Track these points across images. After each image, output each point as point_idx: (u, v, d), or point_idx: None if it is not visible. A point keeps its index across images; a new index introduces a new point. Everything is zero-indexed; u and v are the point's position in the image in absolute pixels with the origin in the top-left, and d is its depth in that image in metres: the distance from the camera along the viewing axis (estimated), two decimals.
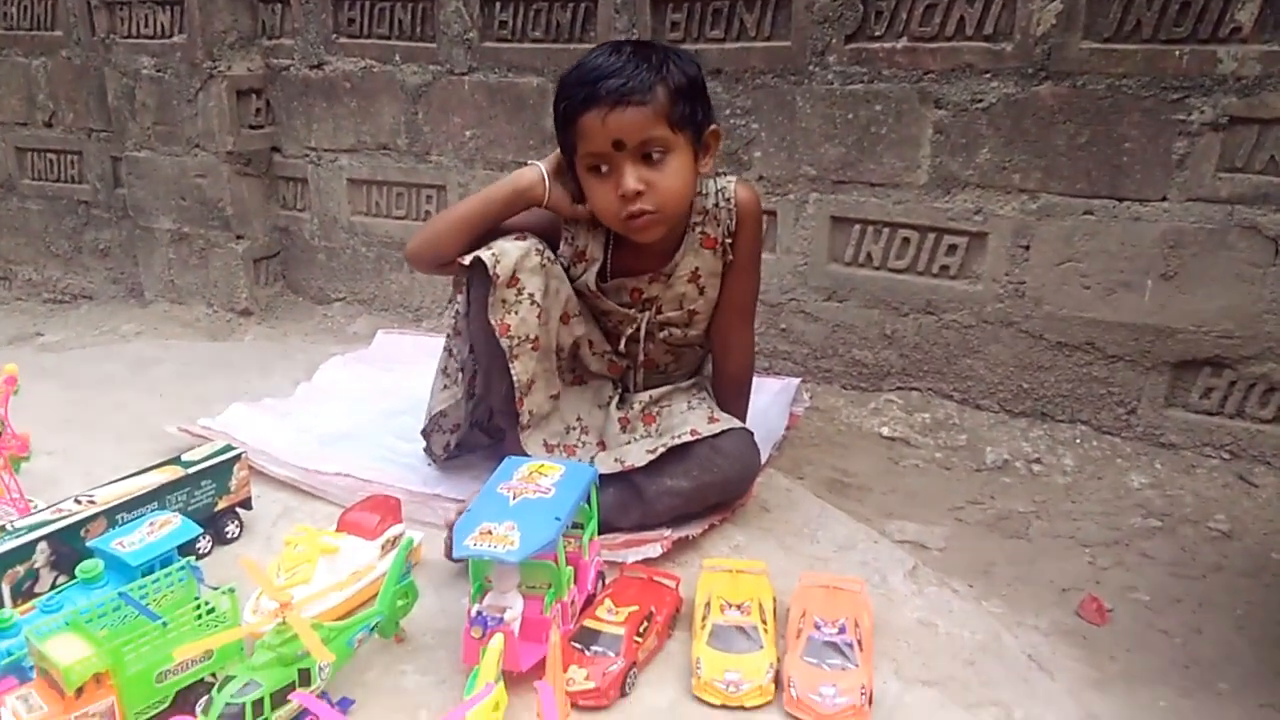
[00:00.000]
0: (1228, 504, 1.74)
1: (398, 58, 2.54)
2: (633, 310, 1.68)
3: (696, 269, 1.65)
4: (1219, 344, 1.84)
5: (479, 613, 1.22)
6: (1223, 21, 1.73)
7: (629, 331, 1.69)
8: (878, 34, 2.01)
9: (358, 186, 2.72)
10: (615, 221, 1.55)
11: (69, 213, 3.20)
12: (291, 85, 2.71)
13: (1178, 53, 1.76)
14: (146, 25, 2.69)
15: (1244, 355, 1.82)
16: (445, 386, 1.73)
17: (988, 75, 1.92)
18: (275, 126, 2.78)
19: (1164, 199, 1.83)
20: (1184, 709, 1.25)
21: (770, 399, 2.07)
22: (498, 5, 2.36)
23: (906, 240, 2.07)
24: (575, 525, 1.39)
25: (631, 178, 1.47)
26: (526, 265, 1.54)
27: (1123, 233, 1.87)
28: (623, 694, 1.22)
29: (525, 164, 1.61)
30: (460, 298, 1.61)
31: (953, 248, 2.04)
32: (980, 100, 1.94)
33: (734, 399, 1.76)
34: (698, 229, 1.63)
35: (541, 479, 1.33)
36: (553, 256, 1.59)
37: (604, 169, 1.50)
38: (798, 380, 2.17)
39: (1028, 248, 1.96)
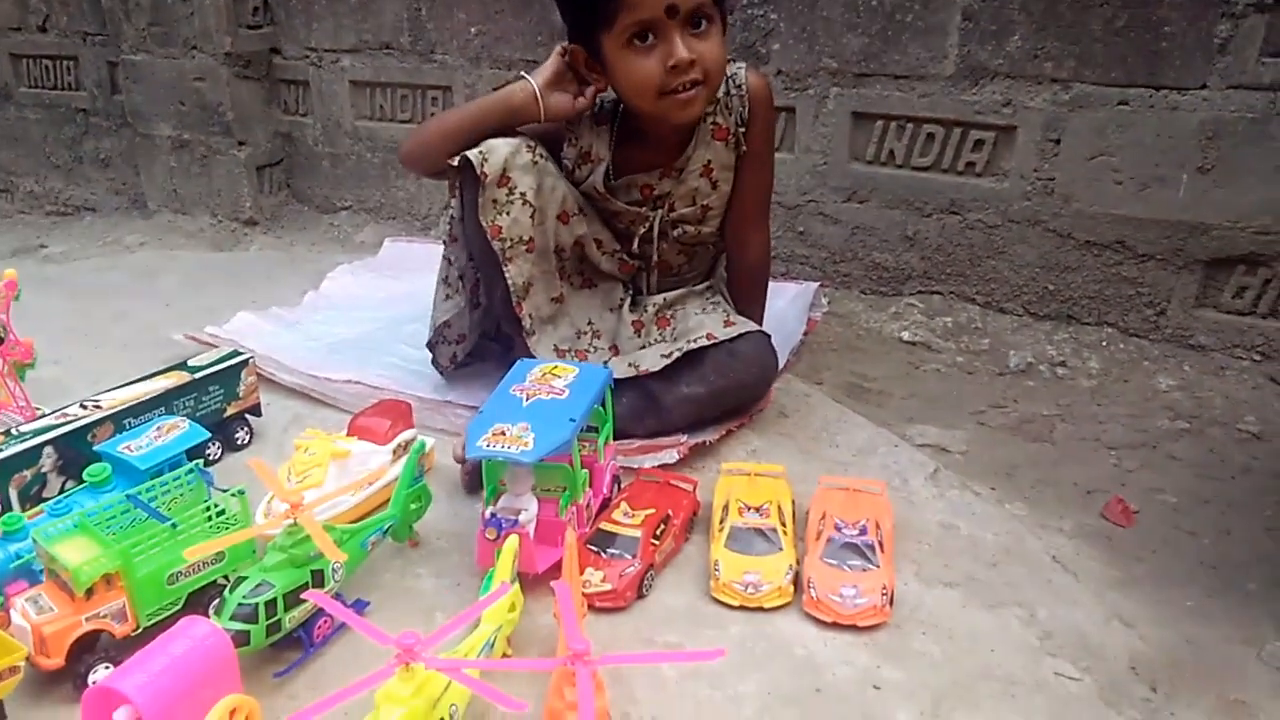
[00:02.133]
0: (1258, 406, 1.70)
1: None
2: (644, 209, 1.61)
3: (709, 162, 1.58)
4: (1255, 240, 1.77)
5: (493, 515, 1.19)
6: None
7: (641, 231, 1.62)
8: None
9: (361, 89, 2.64)
10: (653, 98, 1.44)
11: (67, 121, 3.13)
12: None
13: None
14: None
15: None
16: (447, 296, 1.68)
17: None
18: (274, 26, 2.68)
19: (1204, 87, 1.74)
20: (1211, 608, 1.22)
21: (787, 303, 2.02)
22: None
23: (931, 136, 1.99)
24: (590, 428, 1.35)
25: (683, 47, 1.38)
26: (517, 163, 1.47)
27: (1159, 124, 1.79)
28: (640, 596, 1.20)
29: (523, 75, 1.51)
30: (454, 202, 1.55)
31: (979, 143, 1.95)
32: None
33: (751, 298, 1.71)
34: (709, 119, 1.56)
35: (555, 380, 1.30)
36: (545, 154, 1.52)
37: (647, 40, 1.40)
38: (815, 284, 2.10)
39: (1058, 141, 1.88)
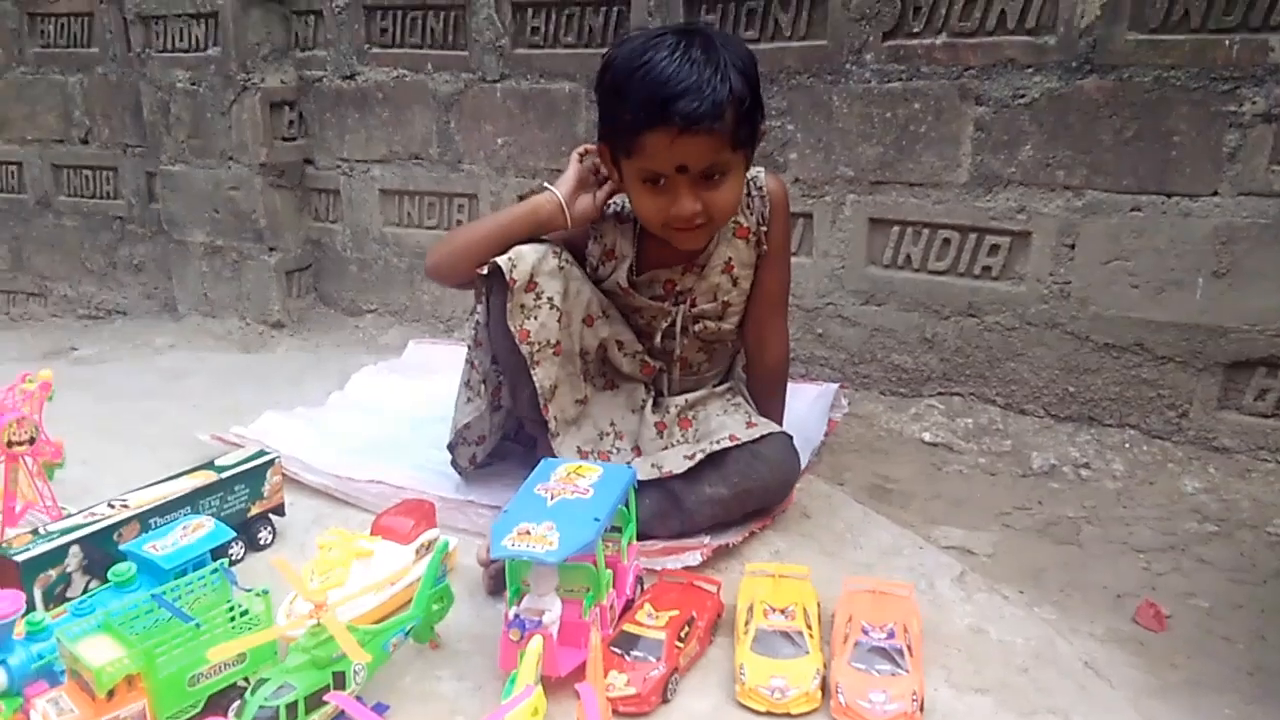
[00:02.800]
0: None
1: (429, 66, 2.54)
2: (666, 303, 1.64)
3: (730, 259, 1.62)
4: (1274, 343, 1.77)
5: (517, 616, 1.19)
6: (1274, 9, 1.68)
7: (664, 326, 1.65)
8: (916, 30, 1.97)
9: (390, 197, 2.72)
10: (657, 227, 1.51)
11: (104, 228, 3.23)
12: (324, 96, 2.72)
13: (1227, 42, 1.71)
14: (181, 39, 2.71)
15: None
16: (469, 399, 1.70)
17: (1030, 70, 1.88)
18: (308, 138, 2.79)
19: (1215, 194, 1.77)
20: (1252, 715, 1.19)
21: (808, 405, 2.03)
22: (529, 11, 2.35)
23: (947, 241, 2.03)
24: (613, 528, 1.35)
25: (690, 200, 1.44)
26: (544, 269, 1.51)
27: (1172, 229, 1.82)
28: (664, 700, 1.18)
29: (546, 186, 1.57)
30: (480, 307, 1.58)
31: (995, 248, 1.99)
32: (1023, 96, 1.90)
33: (772, 394, 1.73)
34: (730, 219, 1.59)
35: (579, 480, 1.30)
36: (570, 259, 1.56)
37: (659, 184, 1.45)
38: (835, 385, 2.12)
39: (1073, 246, 1.91)
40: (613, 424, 1.67)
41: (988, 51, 1.91)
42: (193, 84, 2.71)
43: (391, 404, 2.14)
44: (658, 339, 1.66)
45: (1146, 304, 1.87)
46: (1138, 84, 1.79)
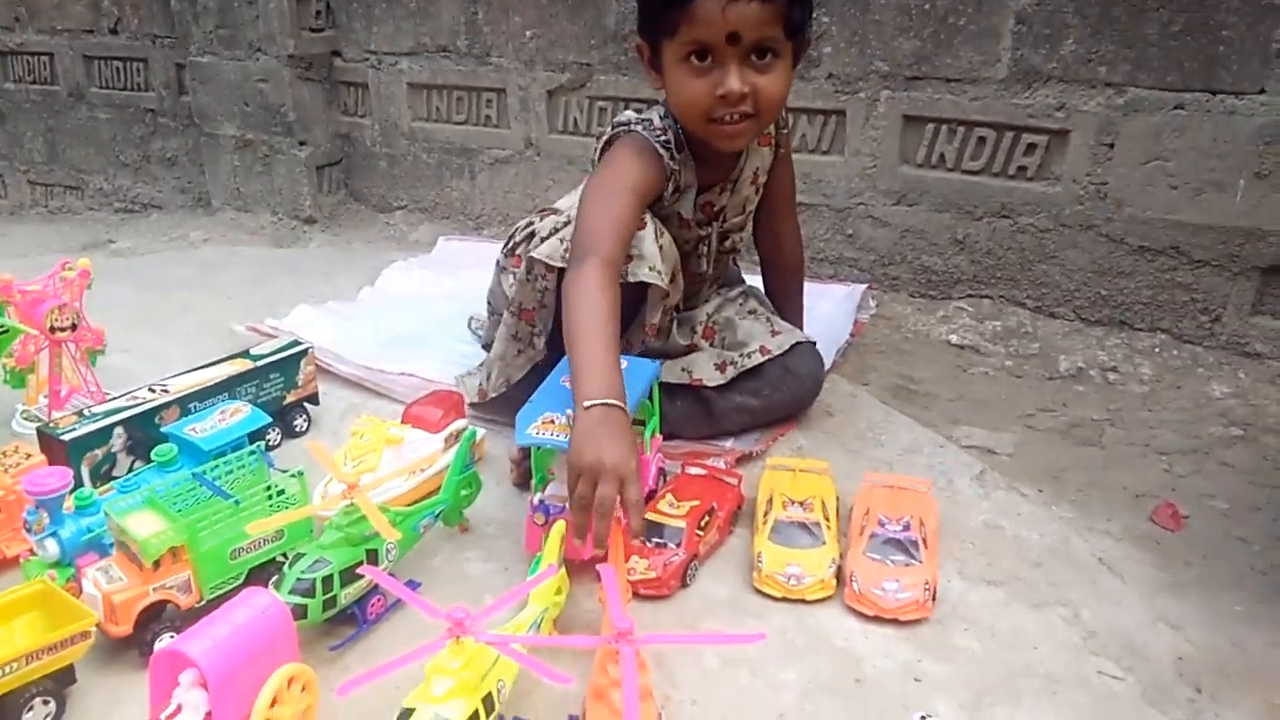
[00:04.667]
0: None
1: None
2: (704, 229, 1.58)
3: (756, 169, 1.59)
4: None
5: (541, 501, 1.22)
6: None
7: (704, 250, 1.59)
8: None
9: (418, 91, 2.69)
10: (700, 121, 1.38)
11: (136, 121, 3.23)
12: None
13: None
14: None
15: None
16: (519, 351, 1.55)
17: None
18: (335, 29, 2.75)
19: (1262, 91, 1.72)
20: (1260, 613, 1.21)
21: (835, 305, 2.03)
22: None
23: (982, 140, 1.99)
24: (637, 422, 1.38)
25: (737, 78, 1.32)
26: (669, 255, 1.46)
27: (1215, 128, 1.77)
28: (684, 584, 1.22)
29: (587, 74, 1.46)
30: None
31: (1031, 147, 1.95)
32: None
33: (793, 293, 1.73)
34: (774, 118, 1.53)
35: None
36: (662, 228, 1.48)
37: (705, 60, 1.33)
38: (863, 286, 2.12)
39: (1112, 146, 1.87)
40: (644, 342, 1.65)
41: None
42: None
43: (422, 299, 2.16)
44: (704, 264, 1.61)
45: (1185, 206, 1.83)
46: None
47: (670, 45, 1.35)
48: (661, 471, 1.44)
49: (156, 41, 3.07)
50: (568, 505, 1.20)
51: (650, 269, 1.40)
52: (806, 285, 1.84)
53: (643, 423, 1.38)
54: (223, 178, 2.94)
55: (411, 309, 2.10)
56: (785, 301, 1.72)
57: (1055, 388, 1.81)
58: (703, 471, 1.42)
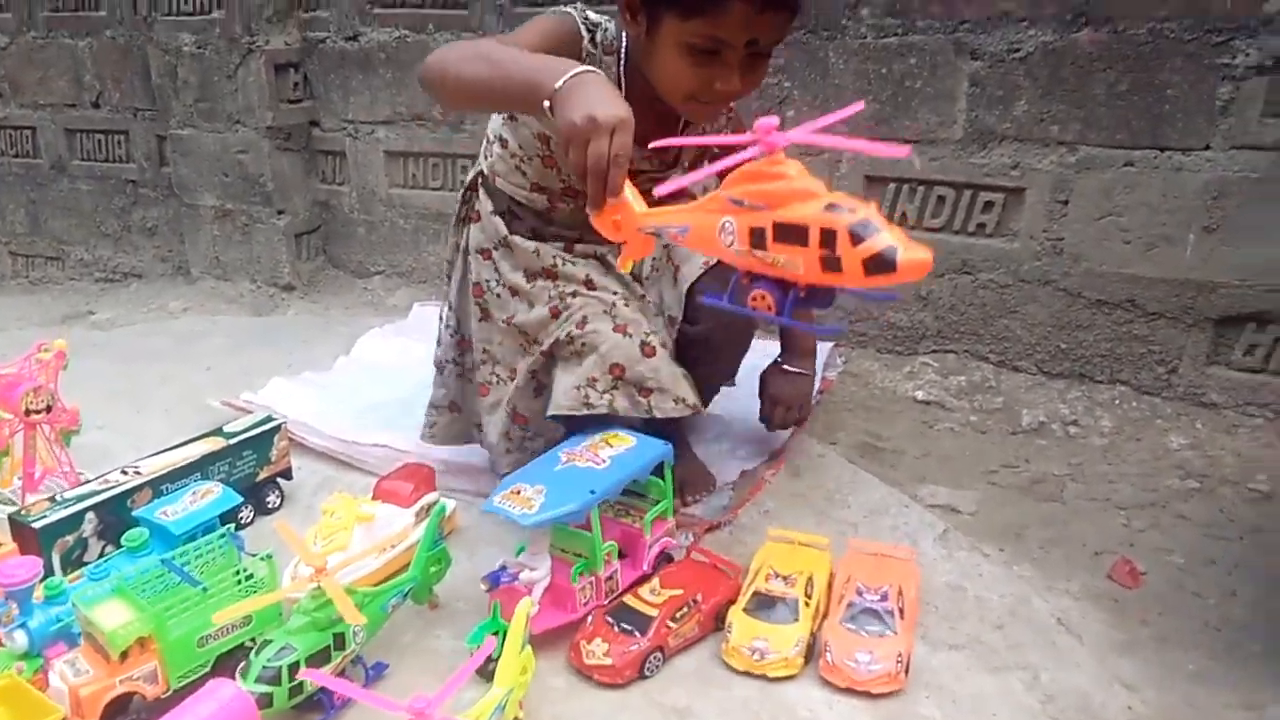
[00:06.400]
0: (1270, 464, 1.70)
1: (431, 27, 2.54)
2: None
3: (688, 161, 1.55)
4: (1264, 298, 1.79)
5: (502, 566, 1.24)
6: None
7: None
8: None
9: (394, 159, 2.74)
10: (680, 98, 1.34)
11: (117, 192, 3.27)
12: (328, 58, 2.73)
13: None
14: (186, 2, 2.72)
15: None
16: (508, 450, 1.58)
17: (1025, 23, 1.88)
18: (313, 100, 2.81)
19: (1207, 148, 1.77)
20: (1214, 672, 1.23)
21: None
22: None
23: (942, 198, 2.04)
24: (640, 495, 1.39)
25: (739, 79, 1.30)
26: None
27: (1164, 184, 1.82)
28: (642, 675, 1.21)
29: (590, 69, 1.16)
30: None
31: (989, 204, 2.00)
32: (1017, 50, 1.89)
33: None
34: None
35: (605, 449, 1.35)
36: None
37: (709, 53, 1.27)
38: (830, 345, 2.15)
39: (1066, 202, 1.92)
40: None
41: (982, 5, 1.90)
42: (198, 47, 2.73)
43: (396, 367, 2.19)
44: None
45: (1138, 260, 1.88)
46: (1132, 36, 1.78)
47: (676, 24, 1.27)
48: (665, 556, 1.42)
49: (138, 114, 3.11)
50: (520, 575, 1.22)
51: (676, 401, 1.41)
52: (772, 345, 1.86)
53: (641, 495, 1.40)
54: (202, 247, 2.98)
55: (386, 377, 2.13)
56: None
57: (1018, 442, 1.84)
58: (705, 559, 1.40)
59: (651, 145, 1.11)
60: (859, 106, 0.97)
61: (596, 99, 1.04)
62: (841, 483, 1.67)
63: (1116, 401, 1.93)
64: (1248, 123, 1.73)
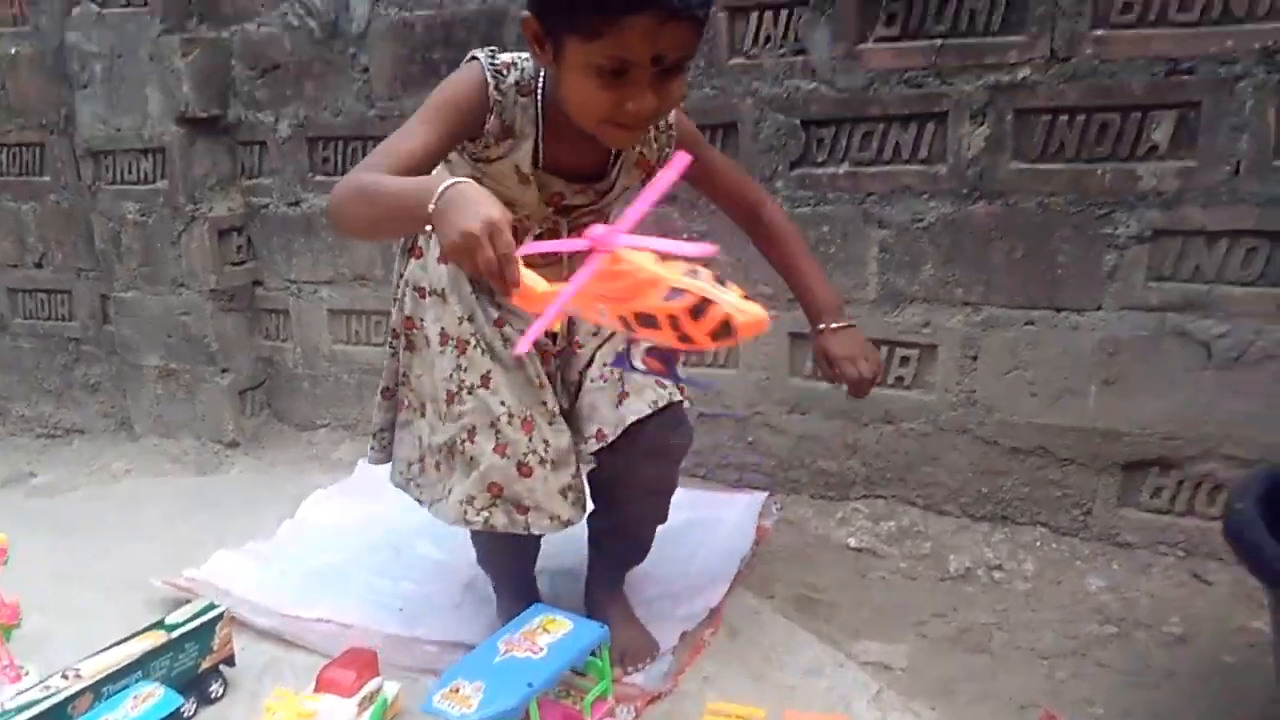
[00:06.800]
0: (1182, 604, 1.79)
1: None
2: (550, 211, 1.49)
3: (627, 188, 1.52)
4: (1164, 445, 1.91)
5: None
6: (1140, 141, 1.83)
7: (542, 229, 1.48)
8: (820, 160, 2.12)
9: (337, 316, 2.81)
10: (594, 122, 1.31)
11: (60, 349, 3.29)
12: (271, 221, 2.82)
13: (1100, 171, 1.87)
14: (130, 172, 2.81)
15: (1188, 455, 1.89)
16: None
17: (925, 196, 2.02)
18: (256, 261, 2.88)
19: (1099, 308, 1.92)
20: None
21: (739, 514, 2.14)
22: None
23: None
24: (581, 675, 1.43)
25: (653, 96, 1.26)
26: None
27: (1064, 341, 1.95)
28: None
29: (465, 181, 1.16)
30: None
31: (905, 359, 2.12)
32: (920, 220, 2.04)
33: (801, 246, 1.69)
34: (636, 148, 1.49)
35: (541, 636, 1.40)
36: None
37: (618, 75, 1.24)
38: (765, 494, 2.23)
39: (975, 358, 2.04)
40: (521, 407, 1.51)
41: (886, 179, 2.05)
42: (142, 215, 2.80)
43: (341, 529, 2.21)
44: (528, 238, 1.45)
45: (1046, 410, 2.00)
46: (1023, 209, 1.94)
47: (580, 47, 1.24)
48: None
49: (81, 274, 3.16)
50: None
51: (551, 519, 1.49)
52: (709, 495, 1.93)
53: (580, 674, 1.43)
54: (145, 405, 3.00)
55: (331, 541, 2.15)
56: (801, 260, 1.67)
57: (946, 589, 1.91)
58: None
59: (521, 253, 1.07)
60: (709, 250, 1.01)
61: (466, 213, 1.07)
62: (776, 641, 1.72)
63: (1038, 543, 2.02)
64: (1134, 286, 1.87)
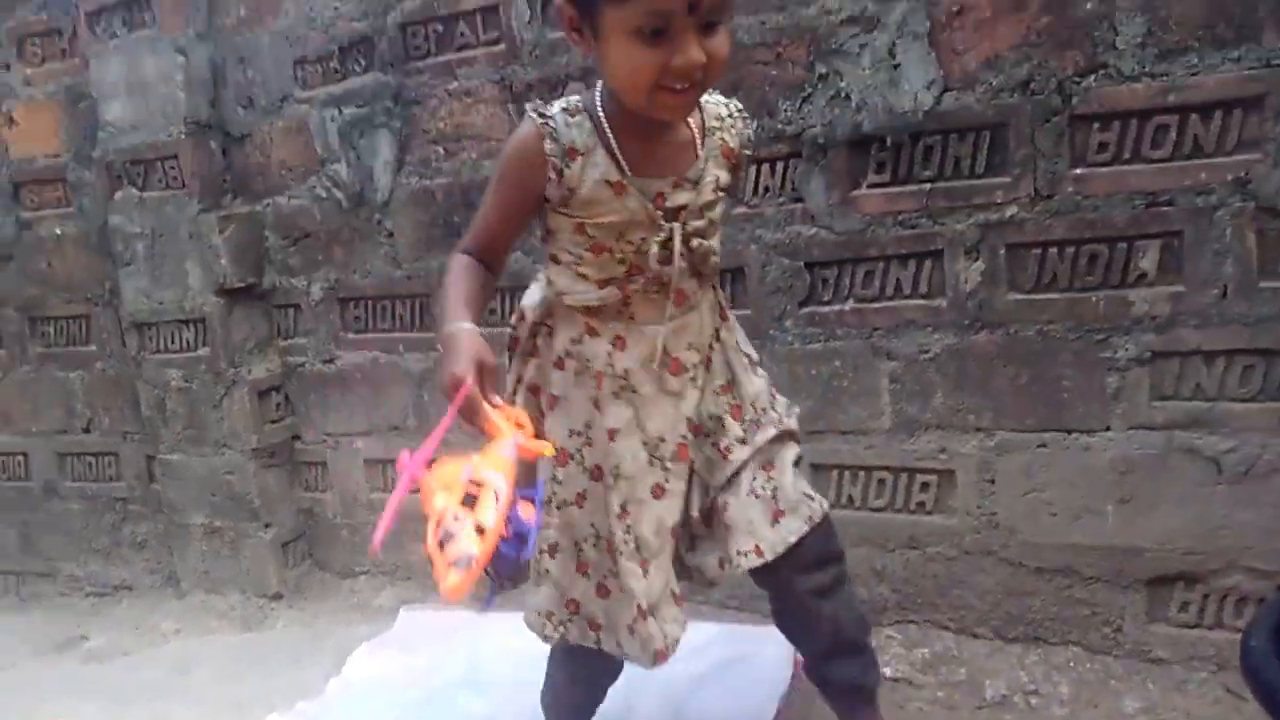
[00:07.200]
0: None
1: (401, 348, 2.78)
2: (659, 216, 1.42)
3: (717, 178, 1.47)
4: (1185, 560, 1.94)
5: None
6: (1129, 269, 1.92)
7: (658, 240, 1.41)
8: (826, 299, 2.22)
9: (374, 465, 2.91)
10: (644, 93, 1.30)
11: (108, 510, 3.41)
12: (307, 380, 2.95)
13: (1094, 299, 1.95)
14: (173, 341, 2.96)
15: (1210, 569, 1.92)
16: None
17: (929, 329, 2.11)
18: (294, 416, 3.00)
19: (1108, 429, 1.97)
20: None
21: (775, 648, 2.16)
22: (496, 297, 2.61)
23: (882, 481, 2.22)
24: None
25: (696, 48, 1.25)
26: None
27: (1077, 462, 2.01)
28: None
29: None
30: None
31: (925, 485, 2.17)
32: (927, 351, 2.12)
33: None
34: (717, 134, 1.46)
35: None
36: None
37: (658, 32, 1.25)
38: None
39: (993, 481, 2.09)
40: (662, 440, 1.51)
41: (890, 314, 2.15)
42: (185, 381, 2.95)
43: (389, 685, 2.26)
44: (650, 263, 1.42)
45: (1067, 529, 2.04)
46: (1023, 338, 2.02)
47: (616, 14, 1.26)
48: None
49: (127, 437, 3.29)
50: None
51: (617, 645, 1.52)
52: (745, 629, 1.96)
53: None
54: (191, 562, 3.09)
55: (379, 704, 2.20)
56: None
57: (984, 718, 1.93)
58: None
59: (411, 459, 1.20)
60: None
61: (445, 363, 1.27)
62: None
63: (1071, 664, 2.03)
64: (1138, 406, 1.94)
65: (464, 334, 1.30)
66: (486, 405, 1.22)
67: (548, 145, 1.37)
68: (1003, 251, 2.01)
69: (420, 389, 2.77)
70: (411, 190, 2.67)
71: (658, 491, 1.50)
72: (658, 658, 1.51)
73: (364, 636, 2.54)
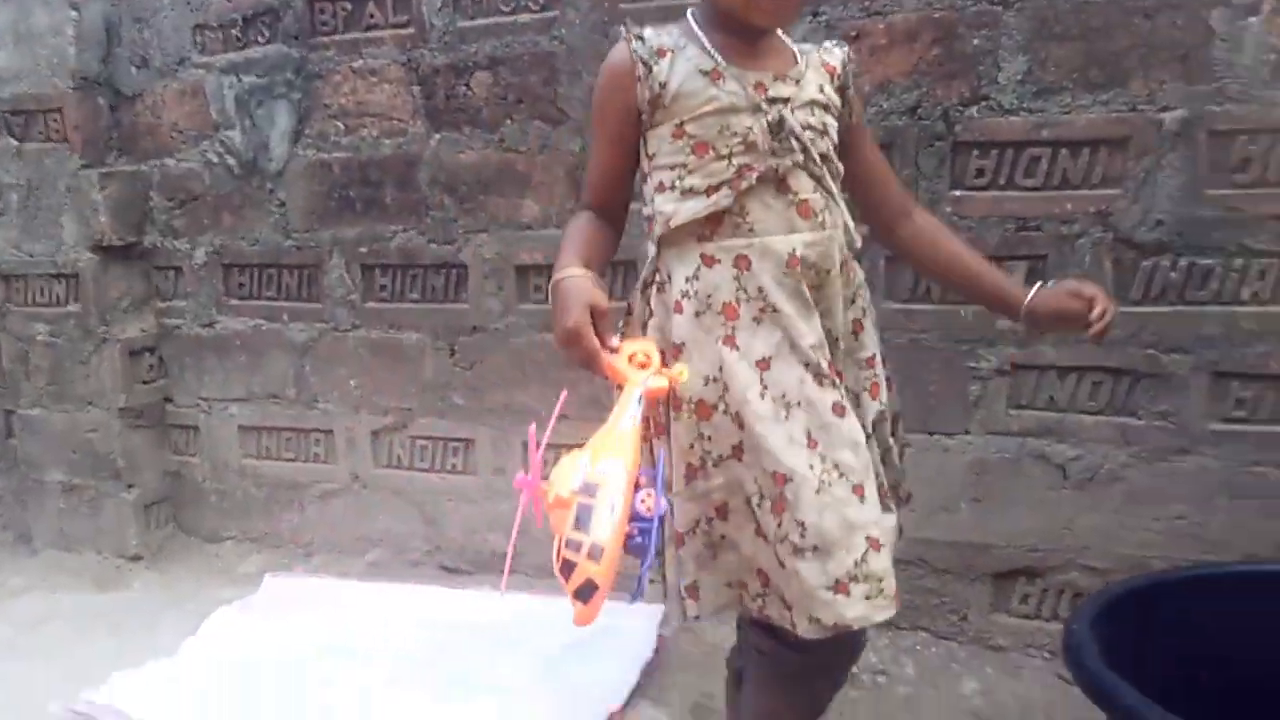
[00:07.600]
0: (1046, 706, 1.95)
1: (285, 317, 2.73)
2: (762, 100, 1.29)
3: (820, 87, 1.35)
4: (1028, 556, 2.09)
5: None
6: None
7: (766, 124, 1.28)
8: None
9: (248, 432, 2.85)
10: (744, 2, 1.26)
11: None
12: (183, 343, 2.87)
13: (963, 312, 2.08)
14: (42, 295, 2.84)
15: (1050, 565, 2.08)
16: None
17: None
18: (167, 379, 2.92)
19: (967, 432, 2.11)
20: None
21: (640, 622, 2.23)
22: (377, 271, 2.59)
23: None
24: None
25: None
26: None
27: (937, 462, 2.14)
28: None
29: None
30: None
31: None
32: None
33: (953, 238, 1.55)
34: (814, 53, 1.39)
35: None
36: None
37: None
38: (664, 604, 2.33)
39: None
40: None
41: None
42: (52, 336, 2.83)
43: (247, 652, 2.22)
44: (763, 149, 1.28)
45: (924, 525, 2.16)
46: (897, 344, 2.12)
47: None
48: None
49: None
50: None
51: (811, 621, 1.27)
52: (611, 604, 2.00)
53: None
54: (47, 519, 2.96)
55: (237, 667, 2.16)
56: (957, 245, 1.54)
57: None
58: None
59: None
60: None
61: (558, 314, 1.19)
62: None
63: (918, 647, 2.16)
64: (996, 414, 2.08)
65: (572, 280, 1.21)
66: (605, 352, 1.16)
67: (634, 45, 1.30)
68: (882, 262, 2.13)
69: (303, 359, 2.73)
70: (308, 162, 2.63)
71: (839, 410, 1.31)
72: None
73: (225, 600, 2.50)
